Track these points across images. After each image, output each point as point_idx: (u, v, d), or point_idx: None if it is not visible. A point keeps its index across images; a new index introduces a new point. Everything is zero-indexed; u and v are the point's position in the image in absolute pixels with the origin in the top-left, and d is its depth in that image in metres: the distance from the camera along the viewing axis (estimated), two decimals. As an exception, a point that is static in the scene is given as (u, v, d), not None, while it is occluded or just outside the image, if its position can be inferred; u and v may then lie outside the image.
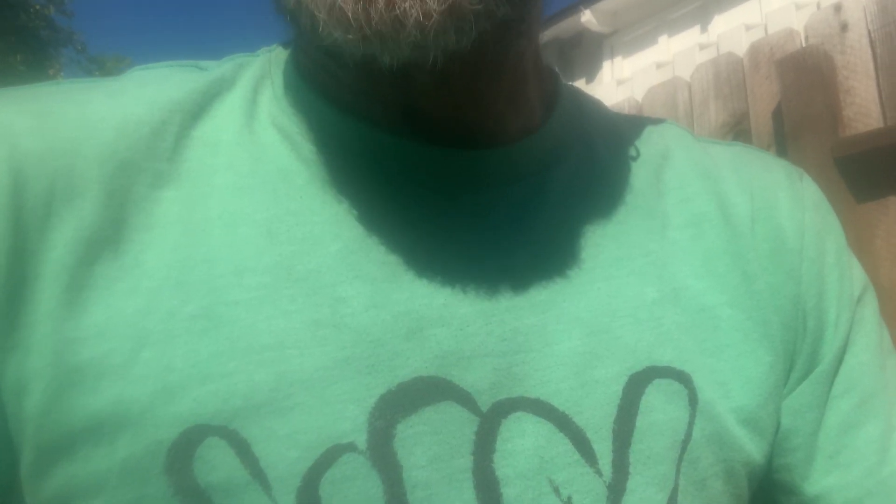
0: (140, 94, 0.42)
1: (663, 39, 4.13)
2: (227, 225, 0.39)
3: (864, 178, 1.53)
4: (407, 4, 0.33)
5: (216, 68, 0.45)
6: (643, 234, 0.45)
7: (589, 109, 0.51)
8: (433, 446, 0.37)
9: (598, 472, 0.39)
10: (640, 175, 0.48)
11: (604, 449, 0.39)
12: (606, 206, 0.46)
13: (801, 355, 0.46)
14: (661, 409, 0.41)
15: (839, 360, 0.47)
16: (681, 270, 0.45)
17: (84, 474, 0.35)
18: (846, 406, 0.46)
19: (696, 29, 3.97)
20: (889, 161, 1.49)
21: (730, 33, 2.74)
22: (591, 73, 4.43)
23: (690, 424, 0.41)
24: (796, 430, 0.46)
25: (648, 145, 0.50)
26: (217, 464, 0.35)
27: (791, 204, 0.49)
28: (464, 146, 0.42)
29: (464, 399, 0.38)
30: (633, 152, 0.49)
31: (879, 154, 1.49)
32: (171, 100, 0.42)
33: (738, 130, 1.79)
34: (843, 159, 1.53)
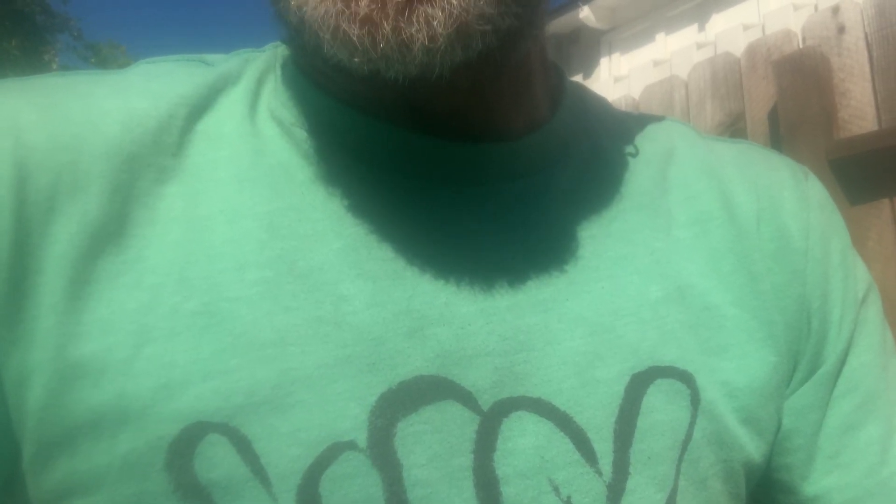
0: (146, 88, 0.42)
1: (661, 37, 4.13)
2: (229, 219, 0.39)
3: (858, 181, 1.53)
4: (413, 29, 0.33)
5: (222, 63, 0.45)
6: (647, 232, 0.45)
7: (593, 106, 0.51)
8: (433, 445, 0.37)
9: (598, 472, 0.39)
10: (644, 173, 0.48)
11: (604, 449, 0.39)
12: (610, 203, 0.45)
13: (804, 356, 0.46)
14: (662, 410, 0.41)
15: (842, 361, 0.47)
16: (685, 269, 0.45)
17: (84, 469, 0.35)
18: (848, 407, 0.46)
19: (694, 27, 3.97)
20: (883, 164, 1.49)
21: (727, 33, 2.74)
22: (588, 69, 4.43)
23: (692, 425, 0.41)
24: (797, 431, 0.46)
25: (653, 143, 0.50)
26: (218, 461, 0.35)
27: (796, 204, 0.49)
28: (467, 141, 0.42)
29: (465, 398, 0.38)
30: (635, 150, 0.49)
31: (874, 156, 1.49)
32: (178, 94, 0.42)
33: (733, 130, 1.79)
34: (838, 161, 1.53)
